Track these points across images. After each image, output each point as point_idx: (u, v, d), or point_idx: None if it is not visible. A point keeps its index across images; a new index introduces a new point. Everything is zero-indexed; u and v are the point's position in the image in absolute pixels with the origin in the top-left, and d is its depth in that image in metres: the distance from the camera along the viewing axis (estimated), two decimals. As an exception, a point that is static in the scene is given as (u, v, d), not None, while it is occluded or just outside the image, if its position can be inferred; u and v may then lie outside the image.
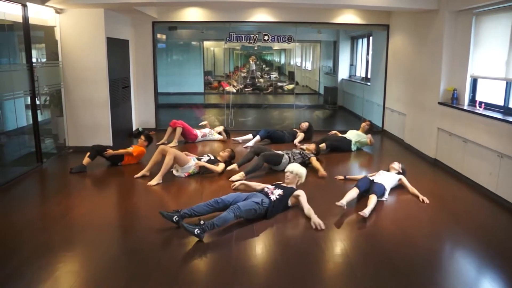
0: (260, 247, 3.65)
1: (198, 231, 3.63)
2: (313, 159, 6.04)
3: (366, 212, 4.24)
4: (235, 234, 3.85)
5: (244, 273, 3.22)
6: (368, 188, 4.74)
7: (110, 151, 5.87)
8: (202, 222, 3.69)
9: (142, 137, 6.35)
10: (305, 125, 7.85)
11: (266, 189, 4.43)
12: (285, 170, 4.66)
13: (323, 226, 4.00)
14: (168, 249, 3.56)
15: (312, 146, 6.34)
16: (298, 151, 6.13)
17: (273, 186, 4.49)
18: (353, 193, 4.59)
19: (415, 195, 4.92)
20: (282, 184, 4.59)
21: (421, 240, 3.85)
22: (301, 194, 4.43)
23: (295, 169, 4.62)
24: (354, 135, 7.22)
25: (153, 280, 3.05)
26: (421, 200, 4.81)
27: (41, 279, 3.03)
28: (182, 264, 3.31)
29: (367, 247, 3.69)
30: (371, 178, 4.95)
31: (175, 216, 3.89)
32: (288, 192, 4.43)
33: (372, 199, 4.47)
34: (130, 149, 6.07)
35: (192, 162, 5.56)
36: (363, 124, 7.50)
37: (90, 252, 3.52)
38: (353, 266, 3.31)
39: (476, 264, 3.45)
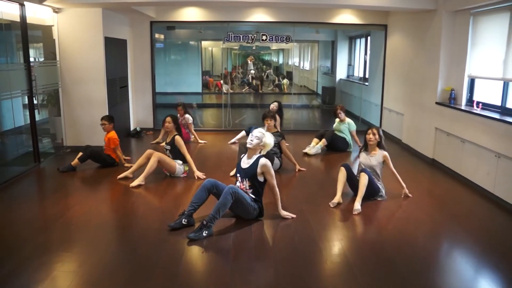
0: (258, 247, 3.64)
1: (207, 232, 3.66)
2: (283, 143, 5.81)
3: (356, 208, 4.30)
4: (233, 234, 3.85)
5: (243, 273, 3.22)
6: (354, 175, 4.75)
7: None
8: (204, 222, 3.70)
9: (104, 121, 5.95)
10: (274, 106, 7.42)
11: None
12: (252, 134, 4.11)
13: (293, 215, 4.19)
14: (166, 248, 3.55)
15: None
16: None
17: (240, 181, 4.13)
18: (342, 177, 4.63)
19: (398, 181, 4.82)
20: (243, 168, 4.12)
21: (419, 239, 3.85)
22: (266, 170, 4.01)
23: (262, 136, 4.09)
24: (344, 129, 7.13)
25: (151, 280, 3.04)
26: (404, 194, 4.81)
27: (38, 279, 3.02)
28: (181, 264, 3.31)
29: (365, 246, 3.70)
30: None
31: (183, 219, 3.89)
32: (252, 174, 4.03)
33: (363, 180, 4.47)
34: (105, 142, 6.00)
35: (177, 166, 5.48)
36: (338, 112, 7.11)
37: (88, 251, 3.51)
38: (351, 265, 3.31)
39: (474, 264, 3.46)
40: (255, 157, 4.08)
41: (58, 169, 5.74)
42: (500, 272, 3.30)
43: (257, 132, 4.11)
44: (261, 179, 4.08)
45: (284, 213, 4.19)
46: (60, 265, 3.26)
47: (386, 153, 4.75)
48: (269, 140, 4.13)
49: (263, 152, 4.15)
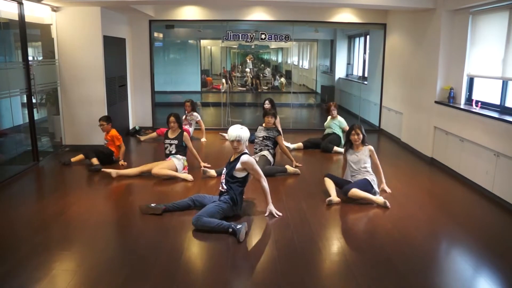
0: (257, 246, 3.64)
1: (240, 226, 3.72)
2: (280, 138, 6.05)
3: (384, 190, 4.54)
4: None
5: (241, 272, 3.22)
6: (343, 184, 4.77)
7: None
8: (230, 230, 3.72)
9: (102, 122, 6.09)
10: (268, 106, 7.56)
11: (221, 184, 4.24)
12: (229, 138, 4.15)
13: (279, 213, 4.23)
14: (165, 247, 3.55)
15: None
16: (261, 136, 6.05)
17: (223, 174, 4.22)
18: (330, 184, 4.71)
19: (379, 176, 4.89)
20: (230, 162, 4.21)
21: (418, 238, 3.85)
22: (248, 167, 4.09)
23: (241, 136, 4.10)
24: (334, 125, 7.19)
25: (150, 279, 3.04)
26: (381, 188, 4.89)
27: (37, 278, 3.01)
28: (180, 262, 3.31)
29: (364, 245, 3.70)
30: (349, 179, 4.86)
31: (152, 204, 4.21)
32: (232, 168, 4.11)
33: (359, 195, 4.50)
34: (108, 140, 6.15)
35: (176, 162, 5.52)
36: (331, 108, 7.23)
37: (86, 250, 3.51)
38: (350, 265, 3.31)
39: (473, 263, 3.46)
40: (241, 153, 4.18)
41: (62, 163, 5.97)
42: (499, 271, 3.30)
43: (235, 135, 4.09)
44: (239, 174, 4.12)
45: (271, 207, 4.22)
46: (59, 264, 3.26)
47: (371, 146, 4.85)
48: (244, 132, 4.15)
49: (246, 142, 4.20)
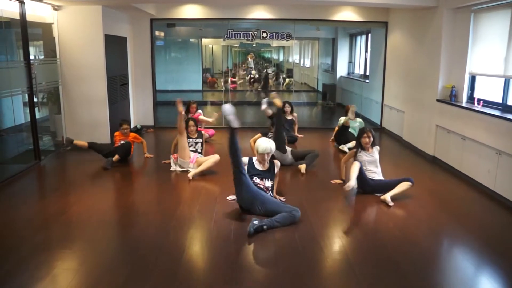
0: (259, 244, 3.64)
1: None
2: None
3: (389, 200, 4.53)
4: (234, 231, 3.85)
5: (243, 270, 3.21)
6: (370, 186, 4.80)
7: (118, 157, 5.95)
8: (265, 227, 3.79)
9: (127, 126, 6.20)
10: (288, 109, 7.66)
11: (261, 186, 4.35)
12: (260, 151, 4.36)
13: (282, 198, 4.55)
14: (167, 246, 3.55)
15: None
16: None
17: (260, 179, 4.37)
18: (355, 169, 4.63)
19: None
20: (262, 170, 4.42)
21: (420, 237, 3.85)
22: (278, 166, 4.55)
23: (267, 146, 4.35)
24: (354, 125, 7.17)
25: (151, 278, 3.05)
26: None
27: (39, 277, 3.02)
28: (181, 261, 3.31)
29: (365, 245, 3.69)
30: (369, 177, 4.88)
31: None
32: (272, 174, 4.47)
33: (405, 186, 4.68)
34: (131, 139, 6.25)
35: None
36: (350, 110, 7.18)
37: (88, 249, 3.51)
38: (351, 264, 3.31)
39: (475, 261, 3.45)
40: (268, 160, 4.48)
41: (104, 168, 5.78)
42: (501, 269, 3.29)
43: (266, 147, 4.34)
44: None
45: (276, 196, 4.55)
46: (61, 263, 3.26)
47: (378, 147, 5.08)
48: (273, 144, 4.47)
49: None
